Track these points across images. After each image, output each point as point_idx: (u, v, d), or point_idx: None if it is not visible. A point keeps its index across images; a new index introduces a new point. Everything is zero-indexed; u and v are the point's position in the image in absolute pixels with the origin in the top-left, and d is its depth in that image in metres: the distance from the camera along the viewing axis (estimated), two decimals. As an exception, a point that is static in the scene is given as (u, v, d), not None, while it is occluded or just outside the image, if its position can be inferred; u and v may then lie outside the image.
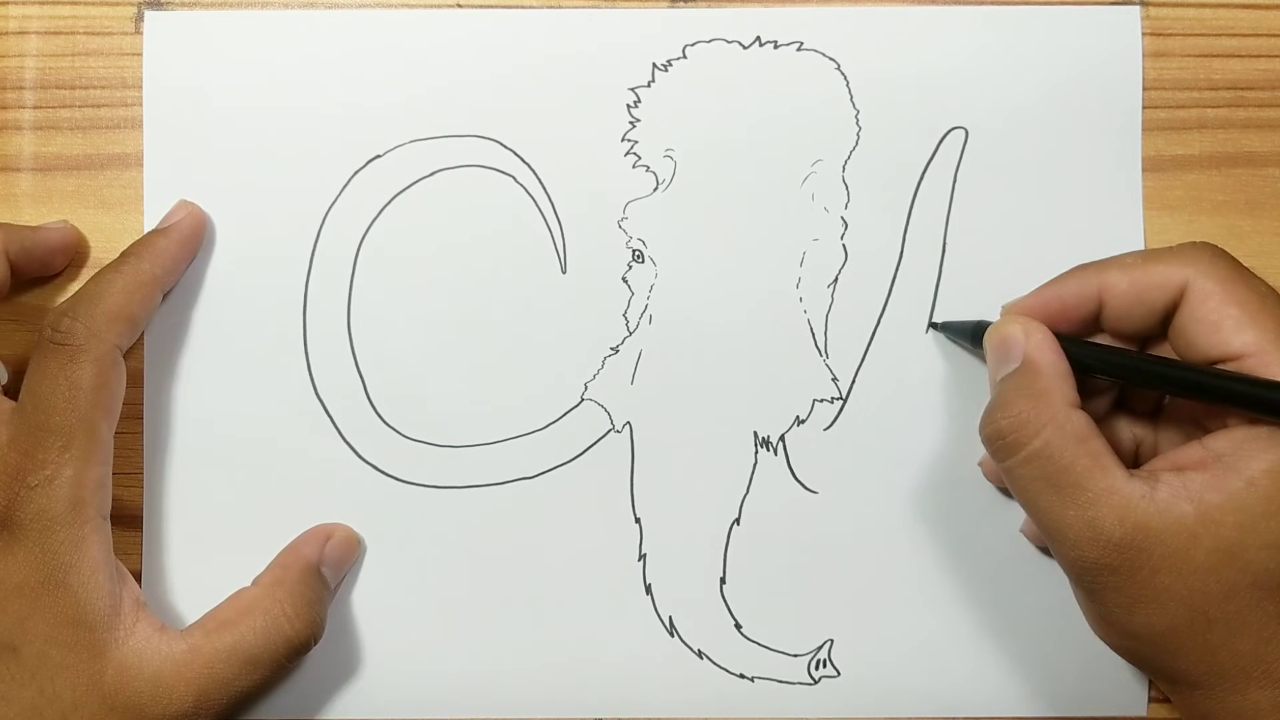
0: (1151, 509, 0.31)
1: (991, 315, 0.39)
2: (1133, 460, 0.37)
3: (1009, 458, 0.33)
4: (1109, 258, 0.35)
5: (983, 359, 0.37)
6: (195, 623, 0.36)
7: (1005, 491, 0.39)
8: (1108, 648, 0.34)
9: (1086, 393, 0.35)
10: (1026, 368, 0.34)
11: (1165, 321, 0.34)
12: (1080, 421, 0.32)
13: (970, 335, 0.37)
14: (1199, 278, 0.33)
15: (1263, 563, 0.31)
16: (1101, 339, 0.36)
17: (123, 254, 0.37)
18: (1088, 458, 0.32)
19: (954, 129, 0.39)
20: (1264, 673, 0.31)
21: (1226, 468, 0.31)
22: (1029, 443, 0.32)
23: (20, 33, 0.40)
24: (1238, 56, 0.40)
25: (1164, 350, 0.35)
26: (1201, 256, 0.34)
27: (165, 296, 0.39)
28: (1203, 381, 0.33)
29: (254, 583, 0.37)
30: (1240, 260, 0.40)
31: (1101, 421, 0.36)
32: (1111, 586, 0.32)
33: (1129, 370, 0.34)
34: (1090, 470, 0.32)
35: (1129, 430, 0.37)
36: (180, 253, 0.38)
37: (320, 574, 0.37)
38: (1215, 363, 0.33)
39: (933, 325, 0.39)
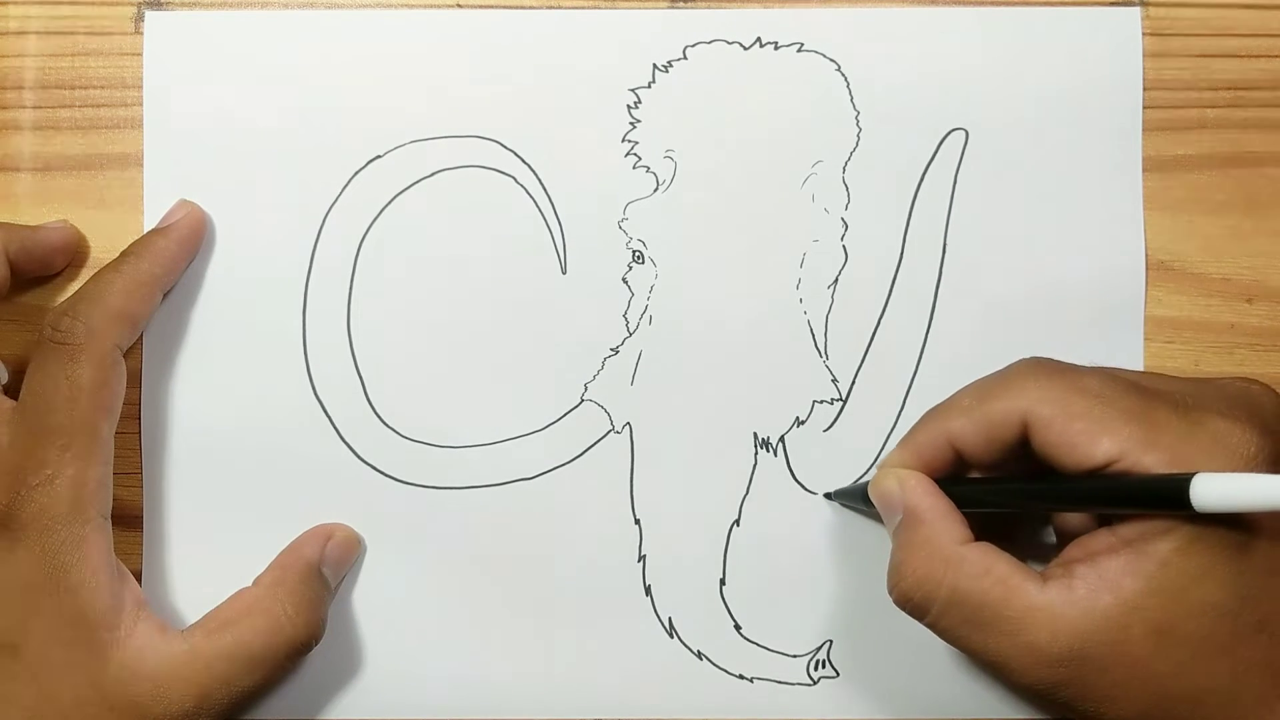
0: (1076, 612, 0.31)
1: (991, 318, 0.39)
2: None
3: (925, 616, 0.33)
4: (951, 400, 0.35)
5: (878, 518, 0.36)
6: (196, 623, 0.36)
7: None
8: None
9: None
10: (908, 518, 0.34)
11: (1024, 445, 0.33)
12: (975, 556, 0.32)
13: (862, 497, 0.37)
14: (1033, 406, 0.32)
15: (1197, 632, 0.30)
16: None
17: (122, 254, 0.37)
18: (997, 587, 0.31)
19: (954, 130, 0.39)
20: None
21: (1138, 552, 0.31)
22: (936, 595, 0.32)
23: (20, 33, 0.40)
24: (1238, 56, 0.40)
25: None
26: (1028, 384, 0.33)
27: (165, 296, 0.39)
28: (1085, 491, 0.32)
29: (255, 583, 0.37)
30: (1239, 261, 0.40)
31: (1019, 531, 0.36)
32: (1072, 697, 0.31)
33: (1013, 496, 0.34)
34: (1004, 598, 0.31)
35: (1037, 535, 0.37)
36: (180, 252, 0.38)
37: (321, 574, 0.38)
38: (1091, 472, 0.32)
39: (827, 495, 0.39)
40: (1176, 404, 0.32)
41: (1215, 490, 0.28)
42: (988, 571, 0.32)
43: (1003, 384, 0.34)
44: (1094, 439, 0.31)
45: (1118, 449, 0.31)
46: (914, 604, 0.33)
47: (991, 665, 0.32)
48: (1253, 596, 0.30)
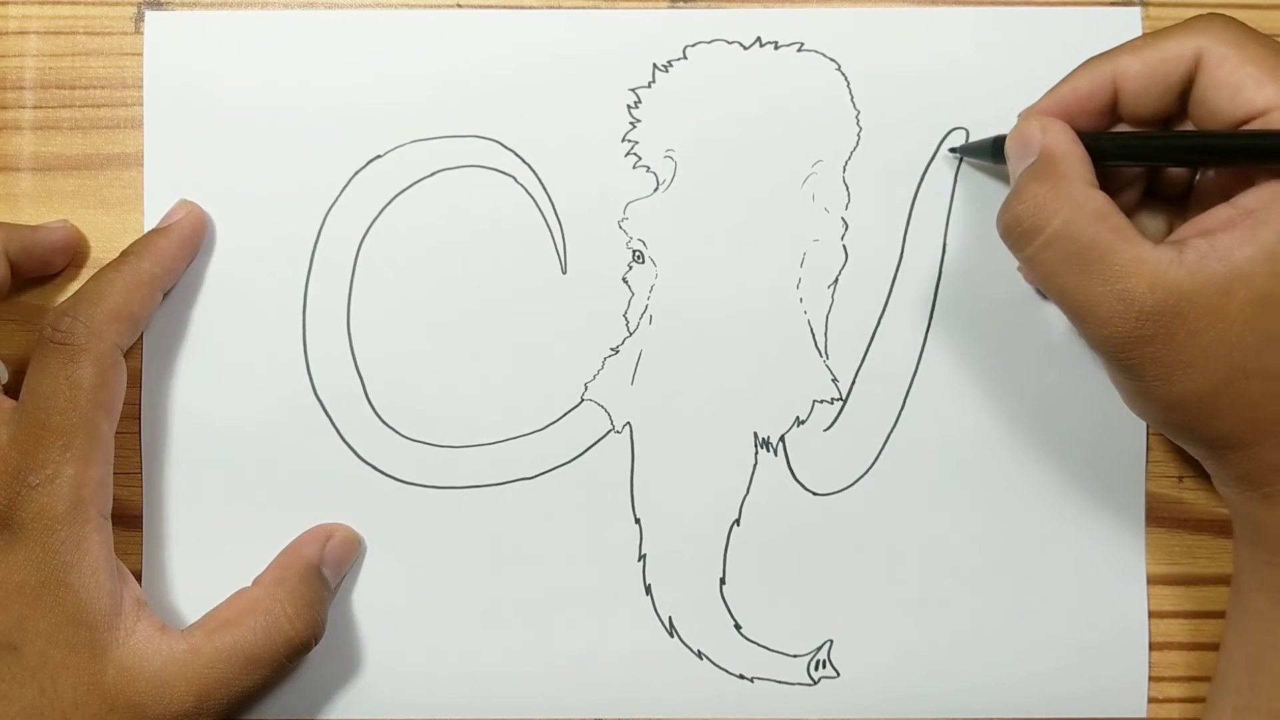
0: (1182, 272, 0.31)
1: (993, 315, 0.39)
2: None
3: (1029, 244, 0.33)
4: (1117, 46, 0.35)
5: (1003, 181, 0.36)
6: (196, 623, 0.36)
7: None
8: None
9: (1115, 187, 0.35)
10: (1044, 157, 0.34)
11: (1183, 97, 0.34)
12: (1098, 199, 0.32)
13: (990, 150, 0.37)
14: (1212, 44, 0.33)
15: None
16: (1120, 129, 0.36)
17: (123, 253, 0.37)
18: (1110, 232, 0.32)
19: (954, 130, 0.39)
20: None
21: (1257, 222, 0.31)
22: (1047, 225, 0.32)
23: (20, 33, 0.40)
24: (1238, 56, 0.40)
25: (1185, 127, 0.35)
26: (1213, 24, 0.33)
27: (165, 296, 0.39)
28: (1229, 143, 0.33)
29: (255, 583, 0.38)
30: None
31: (1131, 215, 0.36)
32: (1148, 358, 0.32)
33: (1152, 150, 0.35)
34: (1114, 244, 0.31)
35: (1159, 220, 0.37)
36: (180, 252, 0.38)
37: (321, 574, 0.38)
38: (1240, 124, 0.33)
39: (952, 150, 0.39)
40: None
41: None
42: (1105, 217, 0.32)
43: (1183, 24, 0.34)
44: (1261, 83, 0.32)
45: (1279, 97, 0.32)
46: (1022, 229, 0.33)
47: (1078, 310, 0.32)
48: None
